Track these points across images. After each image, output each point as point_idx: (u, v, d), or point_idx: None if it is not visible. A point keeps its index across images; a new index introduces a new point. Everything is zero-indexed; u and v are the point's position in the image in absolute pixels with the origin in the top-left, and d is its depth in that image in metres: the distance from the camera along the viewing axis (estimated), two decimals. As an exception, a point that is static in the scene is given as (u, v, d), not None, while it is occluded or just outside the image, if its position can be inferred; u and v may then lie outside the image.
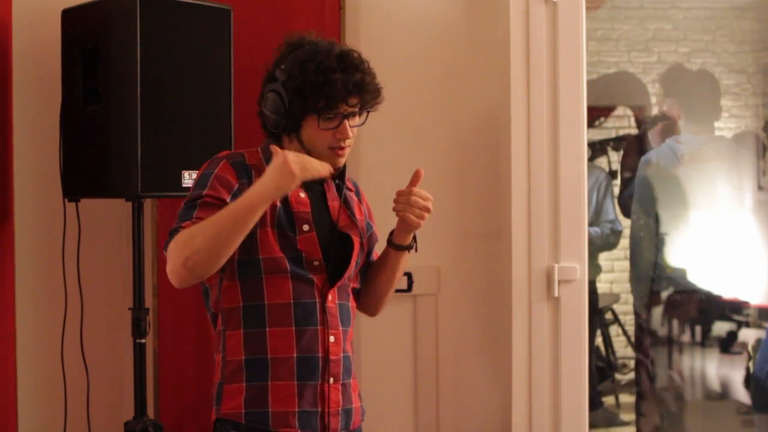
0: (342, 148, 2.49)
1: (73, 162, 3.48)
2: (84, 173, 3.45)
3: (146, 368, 3.42)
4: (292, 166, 2.27)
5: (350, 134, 2.47)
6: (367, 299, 2.72)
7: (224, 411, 2.48)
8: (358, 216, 2.62)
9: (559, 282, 3.49)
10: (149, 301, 3.63)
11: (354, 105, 2.45)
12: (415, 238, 2.62)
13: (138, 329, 3.38)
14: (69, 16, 3.48)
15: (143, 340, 3.39)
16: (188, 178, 3.28)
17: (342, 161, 2.52)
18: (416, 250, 2.65)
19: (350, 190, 2.66)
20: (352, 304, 2.61)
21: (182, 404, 3.80)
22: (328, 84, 2.40)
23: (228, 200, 2.39)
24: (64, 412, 3.60)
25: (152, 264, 3.75)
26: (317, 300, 2.48)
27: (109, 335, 3.76)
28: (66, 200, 3.52)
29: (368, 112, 2.51)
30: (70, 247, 3.58)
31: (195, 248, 2.28)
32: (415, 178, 2.53)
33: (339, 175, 2.57)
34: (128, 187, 3.24)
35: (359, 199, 2.69)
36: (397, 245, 2.61)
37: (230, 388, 2.48)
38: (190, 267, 2.29)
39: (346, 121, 2.45)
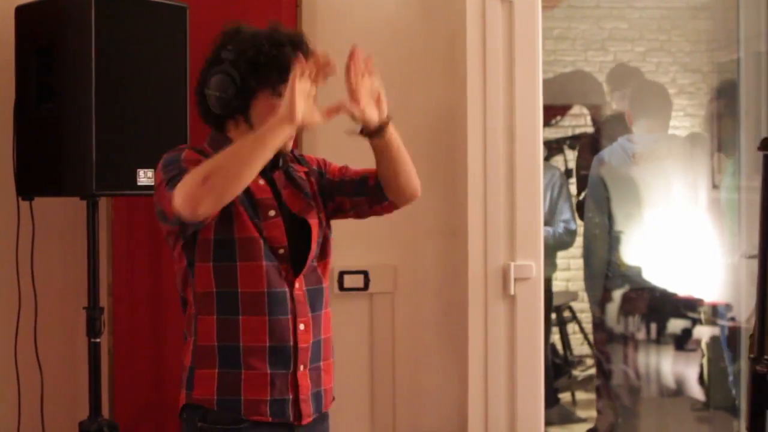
0: None
1: (26, 160, 3.44)
2: (38, 171, 3.42)
3: (101, 368, 3.40)
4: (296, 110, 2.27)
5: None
6: (396, 190, 2.62)
7: (196, 396, 2.50)
8: (310, 190, 2.62)
9: (515, 280, 3.51)
10: (104, 301, 3.61)
11: None
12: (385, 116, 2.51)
13: (92, 329, 3.35)
14: (23, 12, 3.44)
15: (98, 340, 3.36)
16: (143, 177, 3.26)
17: (291, 144, 2.54)
18: (389, 120, 2.52)
19: (296, 169, 2.65)
20: (323, 284, 2.61)
21: (137, 404, 3.78)
22: (282, 56, 2.44)
23: None
24: (17, 412, 3.57)
25: (107, 263, 3.73)
26: (286, 289, 2.50)
27: (63, 335, 3.73)
28: (20, 198, 3.49)
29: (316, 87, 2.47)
30: (23, 246, 3.55)
31: (216, 166, 2.27)
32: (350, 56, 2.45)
33: (281, 159, 2.57)
34: (83, 186, 3.22)
35: (306, 165, 2.68)
36: (370, 131, 2.49)
37: (202, 374, 2.49)
38: (210, 186, 2.26)
39: None
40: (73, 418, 3.49)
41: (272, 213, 2.50)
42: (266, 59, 2.45)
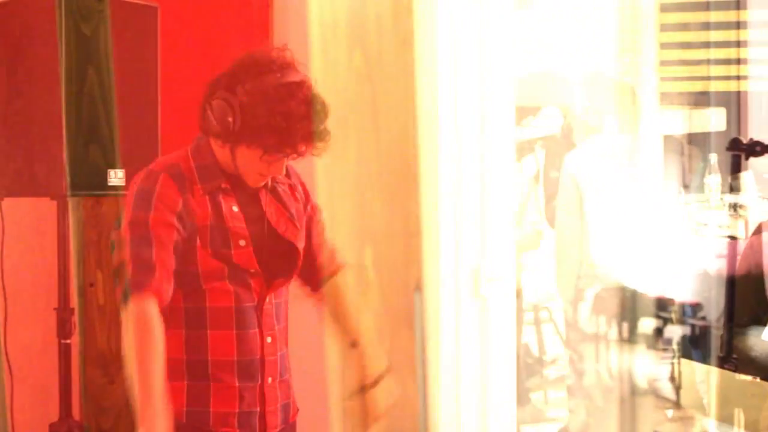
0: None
1: (-4, 161, 3.43)
2: (8, 172, 3.40)
3: (72, 369, 3.39)
4: None
5: (283, 172, 2.51)
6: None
7: None
8: (294, 209, 2.61)
9: (486, 280, 3.52)
10: (75, 301, 3.59)
11: (301, 151, 2.45)
12: None
13: (63, 329, 3.34)
14: (-8, 12, 3.43)
15: (68, 341, 3.36)
16: (114, 177, 3.26)
17: (262, 183, 2.54)
18: None
19: (281, 181, 2.64)
20: (285, 298, 2.62)
21: (108, 406, 3.77)
22: (288, 133, 2.39)
23: (174, 222, 2.39)
24: (-13, 413, 3.56)
25: (78, 263, 3.71)
26: (255, 303, 2.50)
27: (33, 336, 3.71)
28: (-11, 199, 3.47)
29: None
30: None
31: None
32: None
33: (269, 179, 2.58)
34: (53, 186, 3.20)
35: (292, 182, 2.68)
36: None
37: (170, 386, 2.47)
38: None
39: (284, 159, 2.47)
40: (43, 420, 3.47)
41: (242, 243, 2.48)
42: (272, 130, 2.39)
